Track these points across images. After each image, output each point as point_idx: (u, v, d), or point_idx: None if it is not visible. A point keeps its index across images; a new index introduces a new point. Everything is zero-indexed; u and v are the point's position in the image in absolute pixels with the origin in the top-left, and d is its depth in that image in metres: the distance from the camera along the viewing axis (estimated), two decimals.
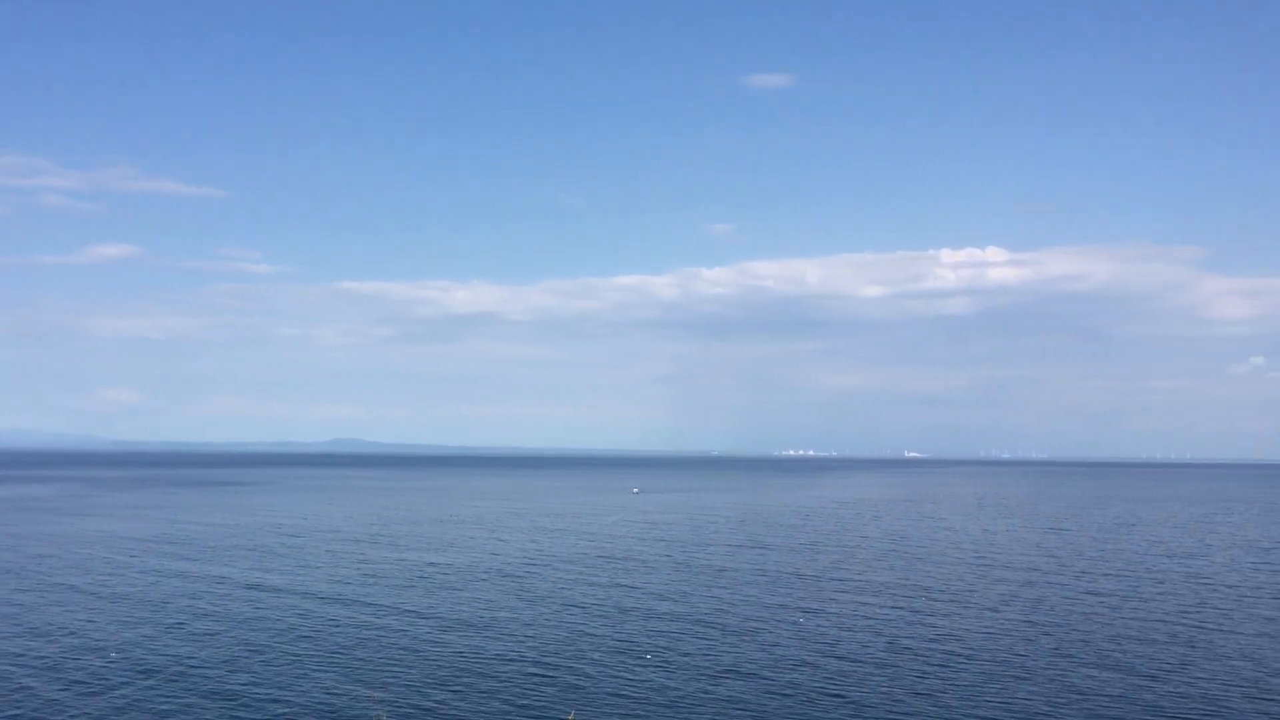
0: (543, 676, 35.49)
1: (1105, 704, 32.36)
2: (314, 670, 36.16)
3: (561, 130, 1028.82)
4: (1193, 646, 41.11)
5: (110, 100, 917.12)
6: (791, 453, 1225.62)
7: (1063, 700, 32.80)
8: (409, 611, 48.05)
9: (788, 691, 33.74)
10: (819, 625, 45.39)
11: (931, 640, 42.13)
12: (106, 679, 34.66)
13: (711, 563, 68.45)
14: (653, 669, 36.58)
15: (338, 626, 44.19)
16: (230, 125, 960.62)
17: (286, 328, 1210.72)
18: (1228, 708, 31.97)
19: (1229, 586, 58.59)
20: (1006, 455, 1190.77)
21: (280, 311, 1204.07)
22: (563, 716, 29.92)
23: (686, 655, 38.91)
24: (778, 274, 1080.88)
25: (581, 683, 34.69)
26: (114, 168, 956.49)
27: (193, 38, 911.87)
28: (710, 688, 34.10)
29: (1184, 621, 46.71)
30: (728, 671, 36.37)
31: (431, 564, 66.48)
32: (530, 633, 43.08)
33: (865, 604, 51.19)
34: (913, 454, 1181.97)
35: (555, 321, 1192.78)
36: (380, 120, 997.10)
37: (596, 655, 38.77)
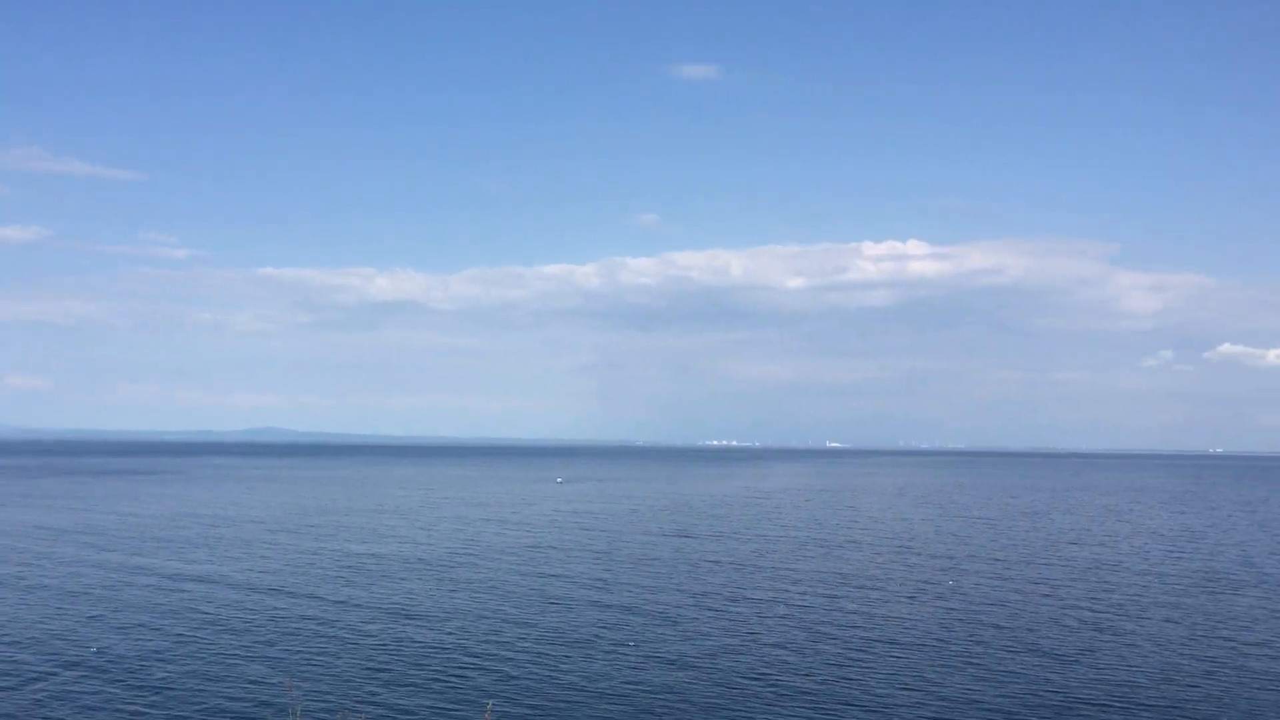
0: (466, 666, 35.50)
1: (1019, 686, 33.28)
2: (236, 661, 35.75)
3: (486, 117, 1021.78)
4: (1101, 631, 42.40)
5: (16, 78, 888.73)
6: (715, 443, 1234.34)
7: (977, 684, 33.66)
8: (332, 601, 47.66)
9: (712, 678, 34.15)
10: (742, 612, 45.94)
11: (852, 626, 42.91)
12: (23, 673, 33.92)
13: (636, 552, 68.81)
14: (577, 658, 36.77)
15: (260, 617, 43.69)
16: (146, 106, 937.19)
17: (203, 314, 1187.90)
18: (1135, 689, 33.08)
19: (1137, 574, 60.44)
20: (925, 445, 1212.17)
21: (196, 297, 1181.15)
22: (484, 705, 29.97)
23: (612, 643, 39.16)
24: (702, 264, 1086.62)
25: (506, 671, 34.76)
26: (20, 147, 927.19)
27: (106, 14, 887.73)
28: (634, 675, 34.39)
29: (1094, 607, 48.12)
30: (651, 659, 36.71)
31: (355, 554, 65.94)
32: (454, 622, 43.01)
33: (787, 591, 51.92)
34: (834, 444, 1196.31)
35: (479, 310, 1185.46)
36: (300, 104, 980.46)
37: (522, 644, 38.86)
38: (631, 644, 39.15)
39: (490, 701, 30.17)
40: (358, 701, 30.79)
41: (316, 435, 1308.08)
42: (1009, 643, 40.04)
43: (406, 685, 32.85)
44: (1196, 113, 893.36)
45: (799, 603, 48.76)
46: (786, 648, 38.80)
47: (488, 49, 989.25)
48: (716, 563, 63.29)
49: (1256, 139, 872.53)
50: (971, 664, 36.42)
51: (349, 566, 59.77)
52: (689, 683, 33.61)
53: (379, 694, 31.78)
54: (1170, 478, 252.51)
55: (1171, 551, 73.29)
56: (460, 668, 35.21)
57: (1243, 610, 47.73)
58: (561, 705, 30.86)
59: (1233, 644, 40.14)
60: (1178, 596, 51.69)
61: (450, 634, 40.63)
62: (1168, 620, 45.07)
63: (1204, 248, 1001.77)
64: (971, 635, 41.38)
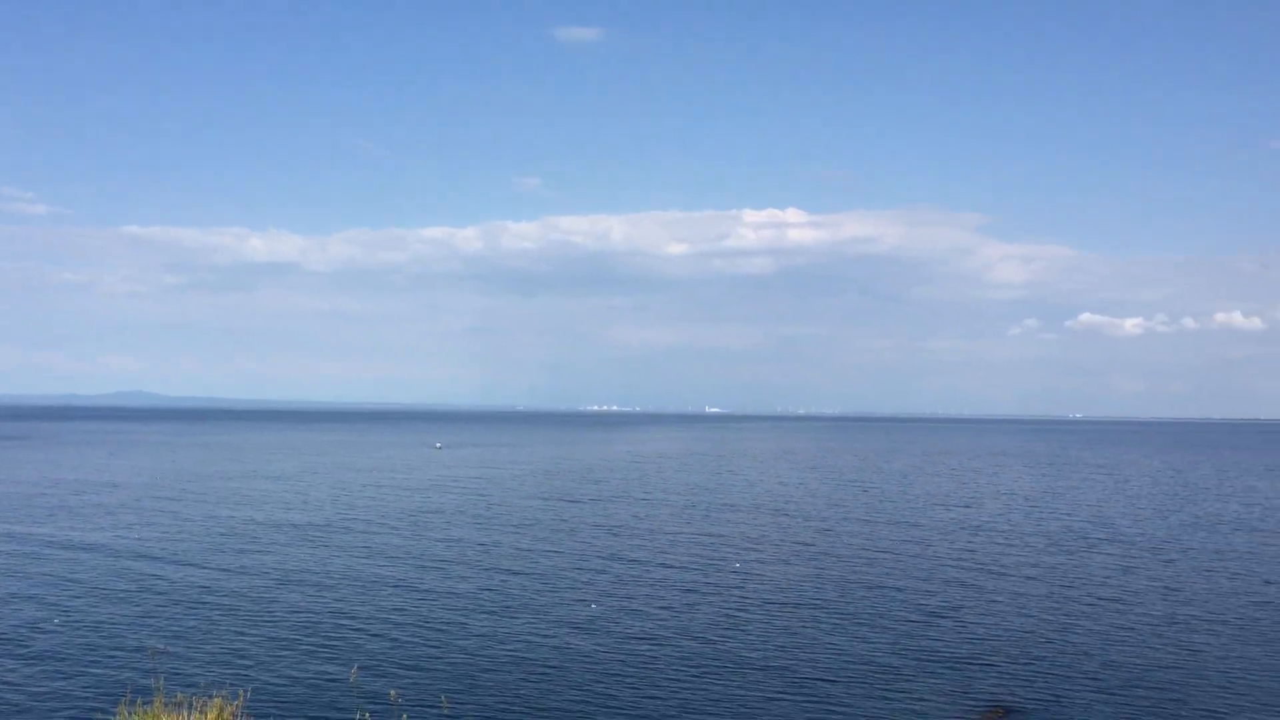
0: (337, 629, 35.16)
1: (888, 642, 34.40)
2: (105, 632, 34.78)
3: (365, 77, 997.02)
4: (966, 588, 44.03)
5: None
6: (596, 408, 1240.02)
7: (850, 641, 34.67)
8: (207, 568, 46.61)
9: (591, 638, 34.48)
10: (622, 574, 46.39)
11: (730, 587, 43.73)
12: None
13: (517, 516, 68.83)
14: (457, 621, 36.73)
15: (131, 585, 42.51)
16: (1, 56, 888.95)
17: (66, 274, 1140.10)
18: (997, 644, 34.46)
19: (1000, 534, 62.83)
20: (802, 411, 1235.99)
21: (59, 257, 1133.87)
22: (348, 670, 29.81)
23: (492, 607, 39.18)
24: (584, 229, 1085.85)
25: (384, 635, 34.53)
26: None
27: None
28: (513, 637, 34.50)
29: (960, 566, 49.92)
30: (532, 621, 36.85)
31: (231, 520, 64.51)
32: (331, 588, 42.50)
33: (666, 553, 52.58)
34: (714, 409, 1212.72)
35: (358, 273, 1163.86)
36: (168, 56, 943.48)
37: (401, 609, 38.62)
38: (511, 607, 39.26)
39: (355, 665, 30.03)
40: (226, 670, 30.27)
41: (189, 400, 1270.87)
42: (879, 600, 41.31)
43: (275, 647, 32.39)
44: (1066, 87, 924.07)
45: (678, 564, 49.45)
46: (668, 609, 39.36)
47: (368, 8, 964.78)
48: (598, 526, 63.73)
49: (1123, 116, 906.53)
50: (844, 621, 37.48)
51: (224, 533, 58.48)
52: (569, 644, 33.88)
53: (252, 659, 31.28)
54: (1033, 442, 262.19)
55: (1033, 512, 76.31)
56: (331, 632, 34.85)
57: (1097, 568, 50.04)
58: (441, 668, 30.81)
59: (1088, 599, 42.10)
60: (1037, 555, 53.91)
61: (324, 598, 40.15)
62: (1028, 578, 47.00)
63: (1069, 220, 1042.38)
64: (844, 594, 42.56)
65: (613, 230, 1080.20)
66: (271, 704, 26.98)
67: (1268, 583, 46.18)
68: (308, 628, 35.62)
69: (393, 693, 27.91)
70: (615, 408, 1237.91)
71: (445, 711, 25.66)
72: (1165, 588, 44.87)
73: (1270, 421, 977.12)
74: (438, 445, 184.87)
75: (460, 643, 33.78)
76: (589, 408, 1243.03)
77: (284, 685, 28.96)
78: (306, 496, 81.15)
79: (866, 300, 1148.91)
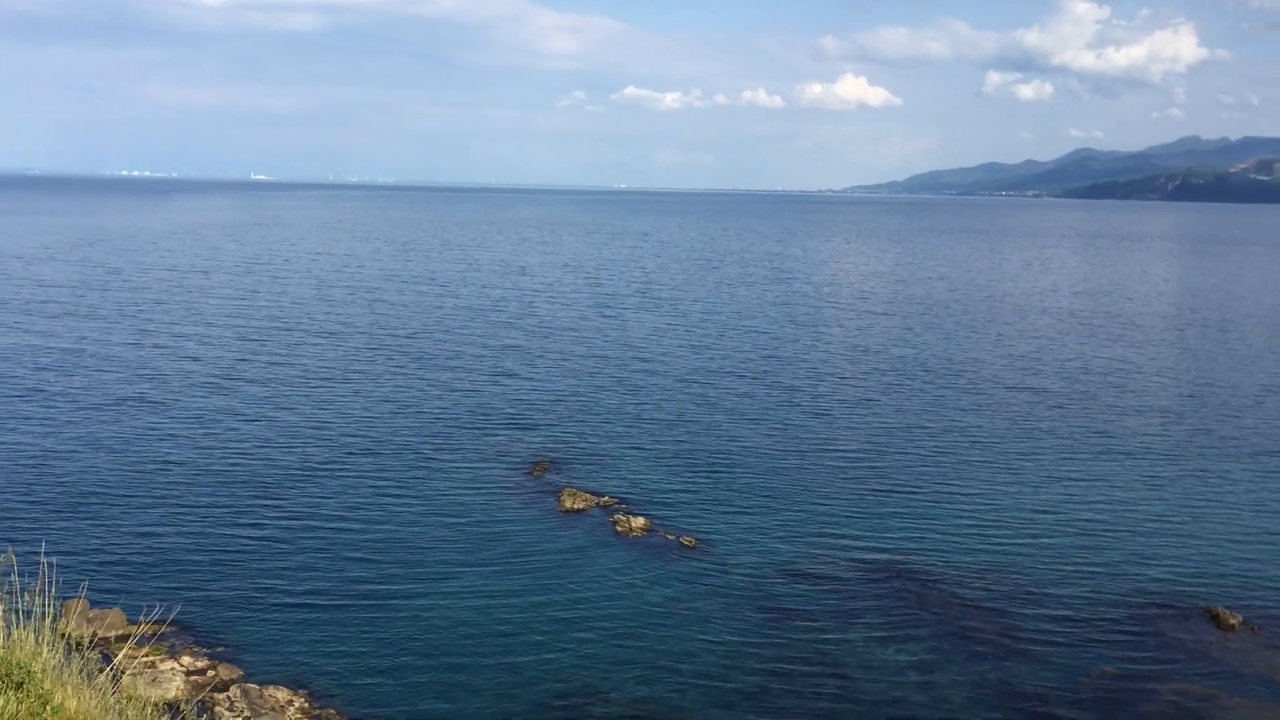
0: None
1: (439, 406, 35.67)
2: None
3: None
4: (516, 350, 46.10)
5: None
6: (126, 173, 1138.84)
7: (398, 408, 35.60)
8: None
9: (126, 410, 32.96)
10: (163, 344, 44.15)
11: (282, 356, 43.05)
12: None
13: (37, 293, 62.77)
14: None
15: None
16: None
17: None
18: (539, 402, 36.81)
19: (550, 298, 66.05)
20: (356, 179, 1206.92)
21: None
22: None
23: (17, 386, 36.19)
24: None
25: None
26: None
27: None
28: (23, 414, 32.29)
29: (512, 328, 52.11)
30: (61, 397, 34.54)
31: None
32: None
33: (217, 324, 50.47)
34: (260, 177, 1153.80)
35: None
36: None
37: None
38: (44, 388, 36.49)
39: None
40: None
41: None
42: (434, 368, 42.37)
43: None
44: None
45: (228, 332, 47.68)
46: (211, 383, 38.13)
47: None
48: (128, 298, 59.70)
49: None
50: (397, 390, 38.18)
51: None
52: (117, 403, 32.22)
53: None
54: (584, 212, 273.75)
55: (581, 278, 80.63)
56: None
57: (635, 329, 54.09)
58: None
59: (624, 359, 45.60)
60: (583, 319, 57.30)
61: None
62: (573, 341, 49.92)
63: None
64: (396, 362, 43.23)
65: None
66: None
67: (776, 339, 52.27)
68: None
69: None
70: (149, 173, 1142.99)
71: None
72: (691, 345, 49.53)
73: (785, 193, 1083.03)
74: None
75: None
76: (119, 173, 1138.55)
77: None
78: None
79: (421, 65, 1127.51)
